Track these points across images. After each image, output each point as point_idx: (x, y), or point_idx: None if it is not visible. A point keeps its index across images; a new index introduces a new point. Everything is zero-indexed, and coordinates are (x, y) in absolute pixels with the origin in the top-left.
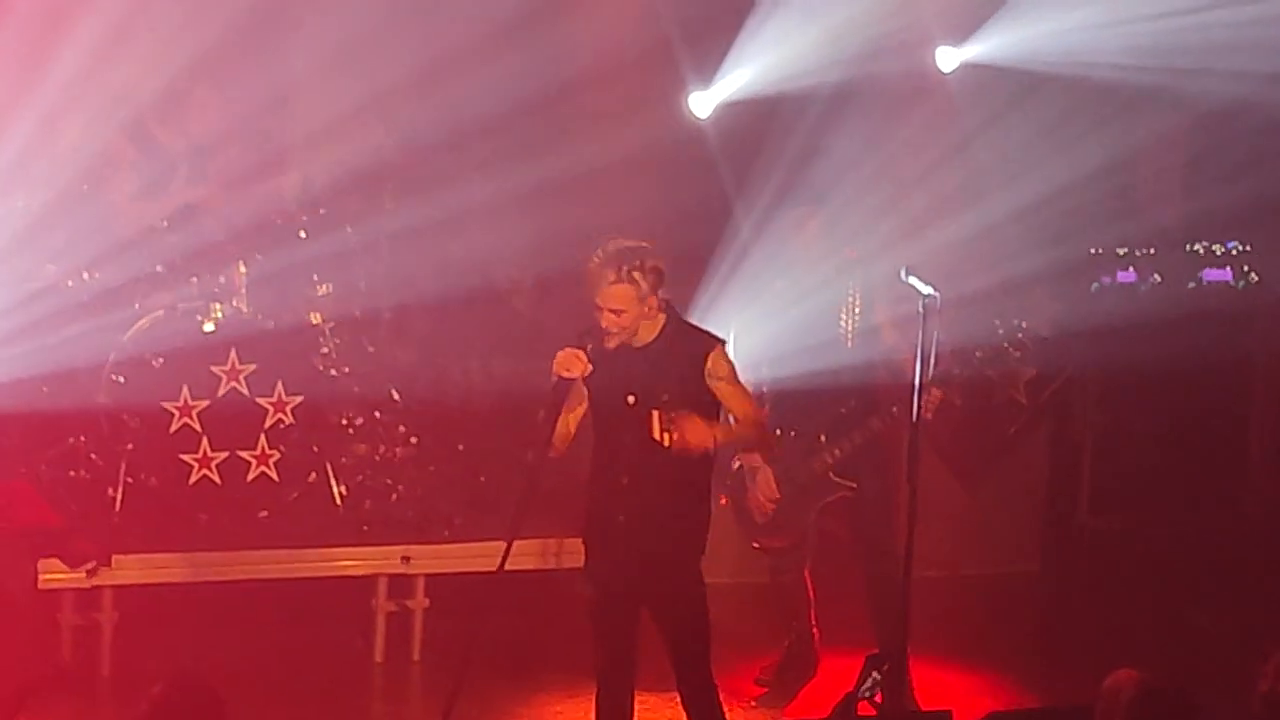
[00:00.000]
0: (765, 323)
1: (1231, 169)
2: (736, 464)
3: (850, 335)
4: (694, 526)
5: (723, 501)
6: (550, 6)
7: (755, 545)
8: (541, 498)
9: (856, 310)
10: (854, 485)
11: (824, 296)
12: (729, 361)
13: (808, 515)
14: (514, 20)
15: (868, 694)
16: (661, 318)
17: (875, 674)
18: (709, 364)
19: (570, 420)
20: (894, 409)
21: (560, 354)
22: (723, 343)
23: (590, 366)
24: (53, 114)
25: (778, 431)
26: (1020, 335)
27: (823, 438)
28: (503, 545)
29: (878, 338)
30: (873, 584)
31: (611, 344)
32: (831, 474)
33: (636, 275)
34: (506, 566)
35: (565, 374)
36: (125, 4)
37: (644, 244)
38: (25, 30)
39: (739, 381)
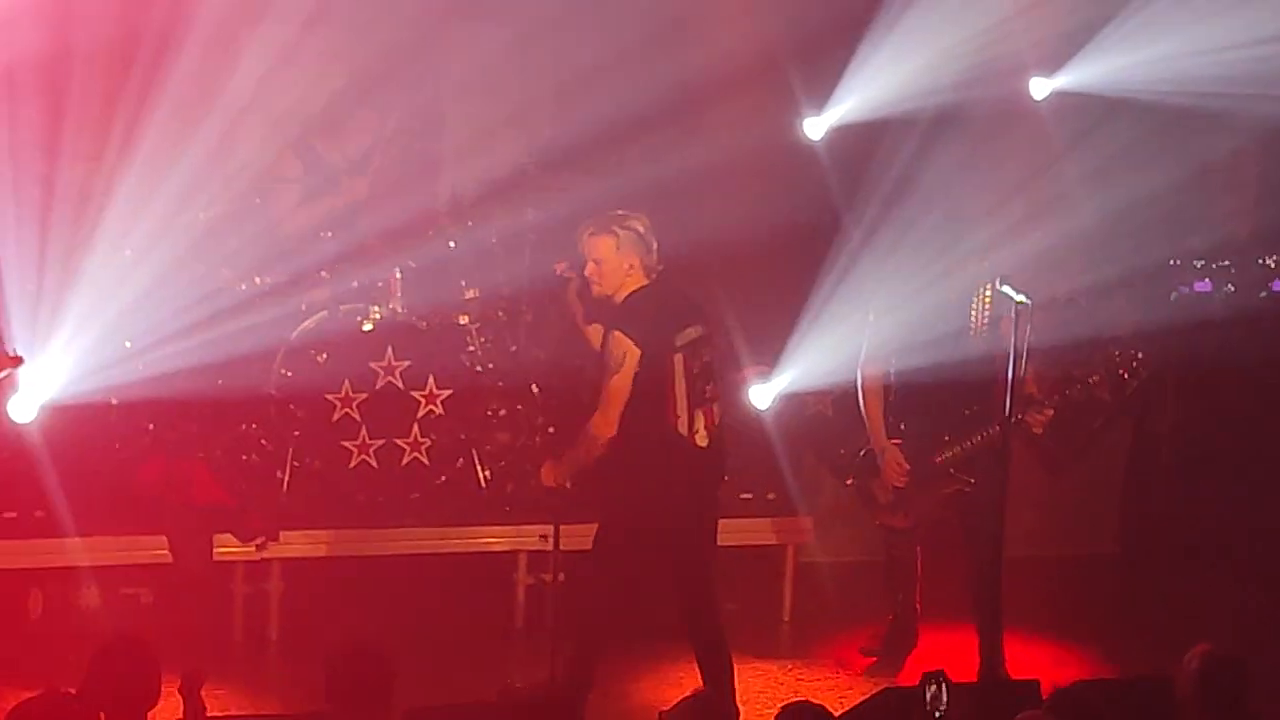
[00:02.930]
0: (897, 315)
1: None
2: (863, 451)
3: (979, 336)
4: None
5: (849, 482)
6: (679, 40)
7: (878, 523)
8: None
9: (985, 314)
10: (972, 480)
11: (954, 299)
12: (613, 350)
13: (926, 502)
14: (644, 49)
15: (937, 711)
16: (640, 283)
17: (933, 687)
18: (606, 342)
19: None
20: (1014, 418)
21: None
22: (621, 328)
23: (575, 290)
24: (227, 134)
25: (902, 426)
26: (1135, 364)
27: (947, 437)
28: None
29: (1000, 339)
30: (977, 569)
31: (594, 291)
32: (952, 469)
33: (615, 228)
34: None
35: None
36: (291, 33)
37: (634, 215)
38: (202, 59)
39: (611, 376)
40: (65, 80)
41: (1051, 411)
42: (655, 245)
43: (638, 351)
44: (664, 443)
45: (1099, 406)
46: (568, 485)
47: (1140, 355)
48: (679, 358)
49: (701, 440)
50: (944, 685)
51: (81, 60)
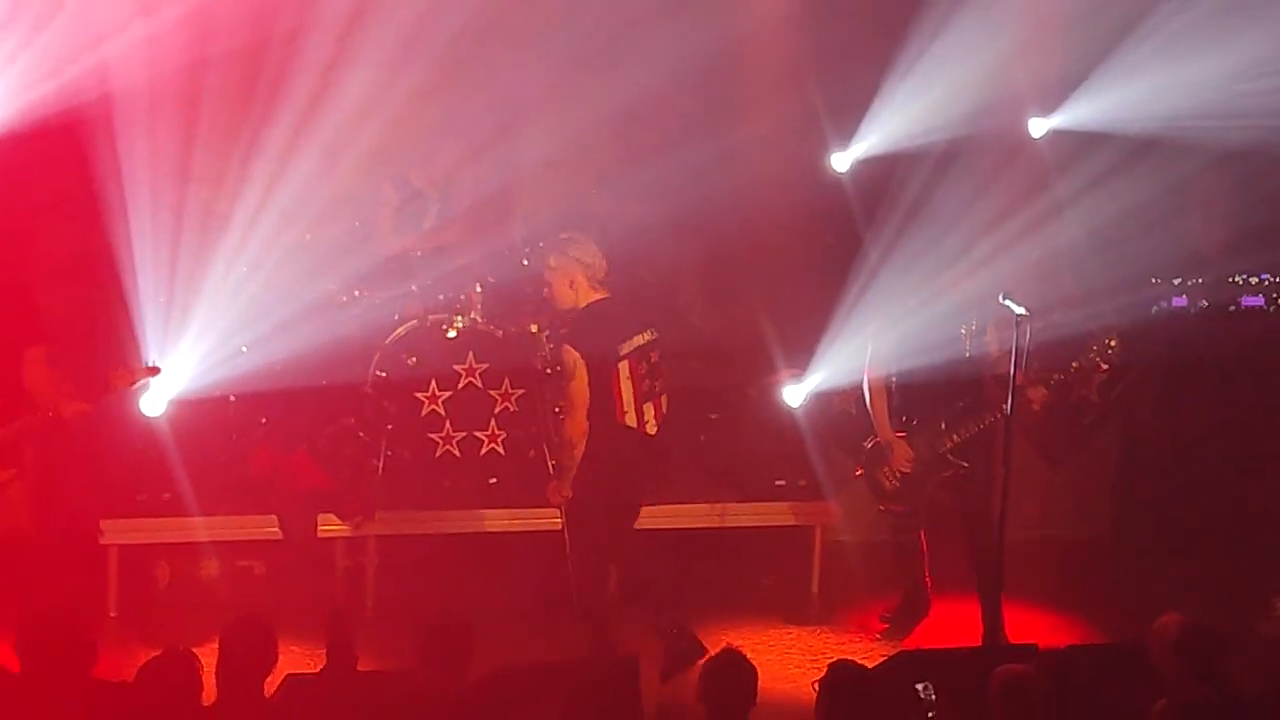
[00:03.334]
0: (896, 328)
1: (1266, 215)
2: (870, 443)
3: (968, 342)
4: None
5: (858, 472)
6: (726, 88)
7: (882, 509)
8: (711, 470)
9: (973, 323)
10: (966, 464)
11: (944, 311)
12: (565, 361)
13: (926, 487)
14: (695, 97)
15: (928, 696)
16: (590, 298)
17: (921, 689)
18: (559, 354)
19: None
20: (1004, 407)
21: None
22: (570, 341)
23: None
24: (331, 165)
25: (904, 418)
26: (1109, 350)
27: (943, 425)
28: (686, 508)
29: (985, 344)
30: (975, 544)
31: (555, 307)
32: (949, 455)
33: (552, 255)
34: (690, 524)
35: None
36: (386, 78)
37: (574, 237)
38: (309, 101)
39: (568, 383)
40: (193, 120)
41: (1044, 390)
42: (598, 263)
43: (584, 361)
44: (616, 435)
45: (1088, 406)
46: (570, 494)
47: (1113, 343)
48: (624, 364)
49: (651, 429)
50: (932, 687)
51: (206, 104)
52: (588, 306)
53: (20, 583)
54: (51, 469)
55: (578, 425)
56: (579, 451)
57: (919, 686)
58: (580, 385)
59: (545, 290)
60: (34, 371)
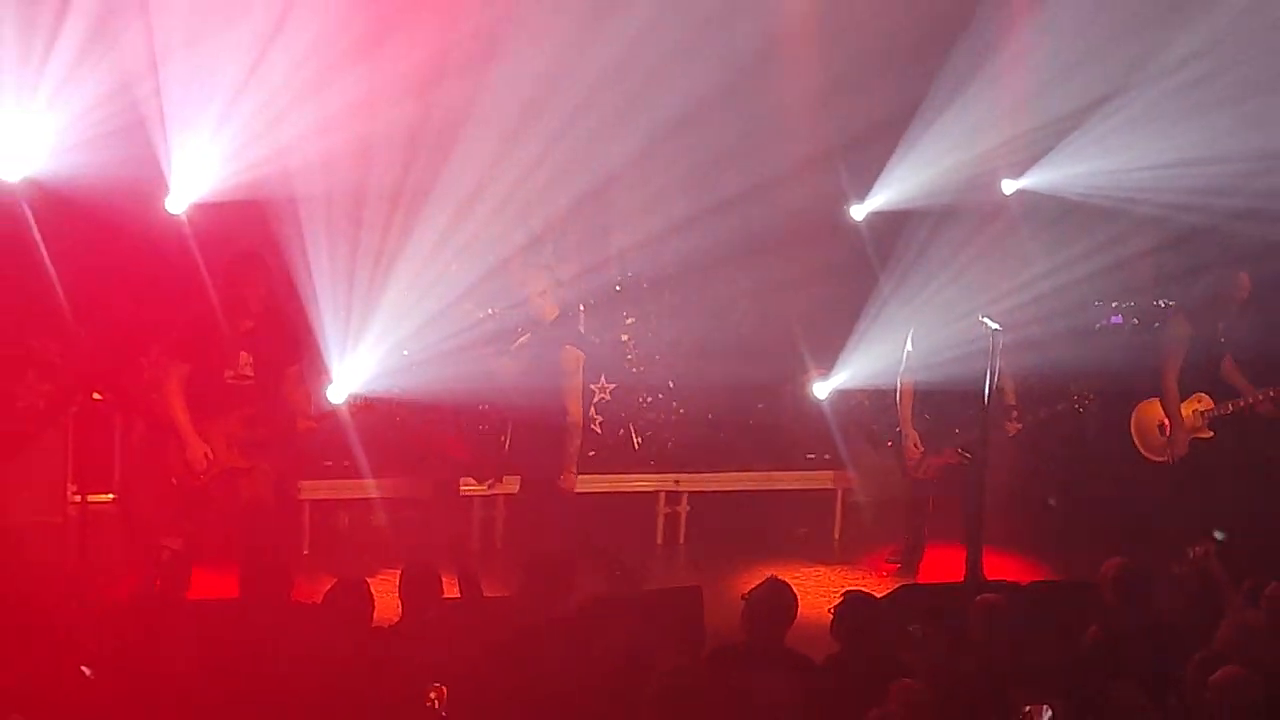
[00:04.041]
0: (923, 344)
1: (1183, 265)
2: (898, 429)
3: (977, 361)
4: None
5: (889, 444)
6: (770, 160)
7: (904, 476)
8: (758, 446)
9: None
10: (969, 456)
11: (954, 335)
12: (567, 359)
13: (936, 465)
14: (743, 158)
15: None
16: (552, 314)
17: (912, 630)
18: (560, 355)
19: None
20: (994, 420)
21: None
22: (571, 341)
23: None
24: (471, 212)
25: (926, 416)
26: (1088, 395)
27: (957, 430)
28: (738, 475)
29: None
30: (967, 509)
31: (535, 316)
32: (959, 448)
33: (536, 269)
34: (742, 487)
35: None
36: (506, 147)
37: (559, 262)
38: (449, 164)
39: (572, 378)
40: (365, 181)
41: (1020, 426)
42: (558, 277)
43: (584, 357)
44: (588, 405)
45: (1050, 399)
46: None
47: (1093, 396)
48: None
49: None
50: (921, 627)
51: (374, 167)
52: (563, 315)
53: (246, 536)
54: (282, 458)
55: (579, 411)
56: (581, 435)
57: (910, 628)
58: (579, 380)
59: (519, 286)
60: (292, 386)
